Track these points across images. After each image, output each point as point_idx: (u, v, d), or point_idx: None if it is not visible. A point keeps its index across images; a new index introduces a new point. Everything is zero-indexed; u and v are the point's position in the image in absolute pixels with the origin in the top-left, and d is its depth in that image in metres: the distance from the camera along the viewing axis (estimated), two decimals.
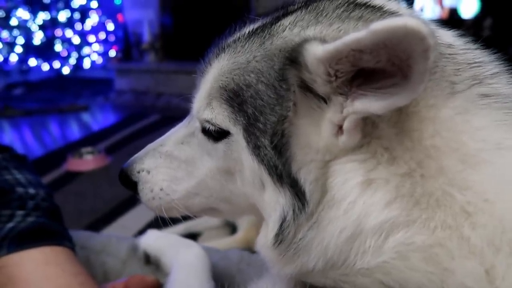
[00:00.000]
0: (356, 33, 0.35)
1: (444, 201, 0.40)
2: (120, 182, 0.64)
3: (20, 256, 0.69)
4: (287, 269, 0.48)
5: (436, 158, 0.41)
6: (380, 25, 0.32)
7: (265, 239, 0.49)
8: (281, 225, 0.46)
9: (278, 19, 0.50)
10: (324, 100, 0.43)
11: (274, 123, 0.44)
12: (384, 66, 0.36)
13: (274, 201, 0.47)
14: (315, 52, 0.39)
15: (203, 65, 0.55)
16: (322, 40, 0.41)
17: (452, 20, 4.09)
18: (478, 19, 4.07)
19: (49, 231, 0.73)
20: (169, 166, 0.59)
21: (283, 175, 0.45)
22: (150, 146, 0.62)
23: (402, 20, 0.32)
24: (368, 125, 0.42)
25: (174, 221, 0.64)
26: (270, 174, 0.46)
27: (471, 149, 0.41)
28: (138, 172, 0.61)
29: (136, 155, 0.63)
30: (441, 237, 0.39)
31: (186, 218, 0.64)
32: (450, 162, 0.41)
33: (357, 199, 0.42)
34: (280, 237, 0.46)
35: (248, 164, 0.49)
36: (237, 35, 0.53)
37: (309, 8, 0.49)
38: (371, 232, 0.41)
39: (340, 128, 0.42)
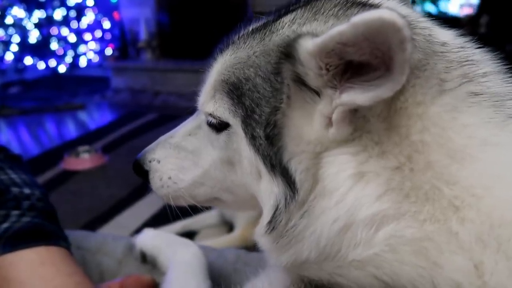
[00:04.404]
0: (339, 27, 0.36)
1: (432, 195, 0.41)
2: (133, 171, 0.67)
3: (15, 256, 0.68)
4: (282, 258, 0.49)
5: (424, 153, 0.42)
6: (359, 17, 0.34)
7: (260, 228, 0.51)
8: (274, 213, 0.48)
9: (279, 16, 0.53)
10: (317, 93, 0.44)
11: (268, 114, 0.47)
12: (369, 59, 0.38)
13: (269, 190, 0.49)
14: (307, 46, 0.41)
15: (210, 61, 0.57)
16: (315, 35, 0.42)
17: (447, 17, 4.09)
18: (475, 17, 4.08)
19: (44, 231, 0.73)
20: (177, 156, 0.62)
21: (275, 164, 0.47)
22: (161, 137, 0.66)
23: (379, 13, 0.33)
24: (359, 119, 0.43)
25: (174, 217, 0.66)
26: (265, 164, 0.48)
27: (457, 145, 0.42)
28: (150, 162, 0.64)
29: (148, 146, 0.66)
30: (429, 230, 0.40)
31: (185, 216, 0.65)
32: (438, 157, 0.42)
33: (349, 191, 0.43)
34: (272, 225, 0.48)
35: (246, 154, 0.51)
36: (241, 32, 0.55)
37: (308, 6, 0.51)
38: (362, 224, 0.42)
39: (330, 120, 0.44)
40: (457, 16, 4.17)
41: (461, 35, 0.50)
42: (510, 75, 0.49)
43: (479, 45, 0.49)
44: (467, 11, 4.14)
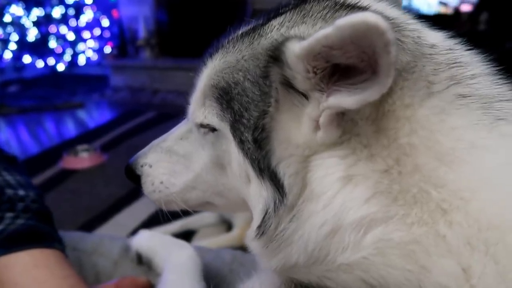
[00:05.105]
0: (324, 30, 0.36)
1: (420, 198, 0.41)
2: (125, 175, 0.67)
3: (9, 259, 0.68)
4: (272, 262, 0.49)
5: (412, 156, 0.42)
6: (343, 20, 0.34)
7: (250, 232, 0.51)
8: (263, 218, 0.48)
9: (269, 20, 0.52)
10: (305, 96, 0.44)
11: (256, 118, 0.47)
12: (355, 62, 0.37)
13: (258, 195, 0.49)
14: (294, 49, 0.41)
15: (201, 66, 0.57)
16: (302, 38, 0.42)
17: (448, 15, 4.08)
18: (474, 14, 4.06)
19: (38, 233, 0.73)
20: (169, 160, 0.62)
21: (264, 168, 0.47)
22: (154, 142, 0.65)
23: (363, 16, 0.33)
24: (348, 122, 0.43)
25: (172, 217, 0.66)
26: (253, 168, 0.48)
27: (445, 147, 0.42)
28: (142, 166, 0.64)
29: (141, 151, 0.66)
30: (417, 233, 0.40)
31: (182, 215, 0.66)
32: (426, 160, 0.41)
33: (336, 194, 0.43)
34: (262, 229, 0.48)
35: (235, 158, 0.51)
36: (231, 36, 0.55)
37: (297, 9, 0.51)
38: (350, 227, 0.42)
39: (318, 123, 0.44)
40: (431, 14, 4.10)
41: (451, 36, 0.50)
42: (504, 75, 0.48)
43: (470, 46, 0.49)
44: (466, 8, 4.12)
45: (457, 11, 4.08)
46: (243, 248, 0.97)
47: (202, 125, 0.54)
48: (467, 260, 0.38)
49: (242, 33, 0.53)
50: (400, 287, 0.40)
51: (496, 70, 0.48)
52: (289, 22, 0.49)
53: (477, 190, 0.40)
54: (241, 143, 0.49)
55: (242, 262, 0.86)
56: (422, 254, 0.39)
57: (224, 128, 0.51)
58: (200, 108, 0.54)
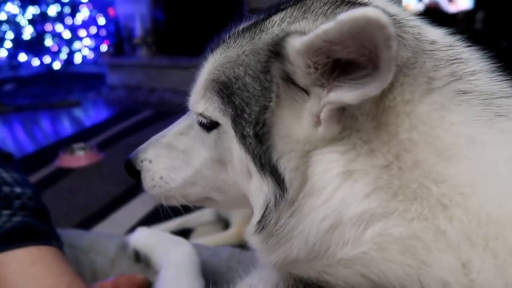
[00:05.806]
0: (325, 25, 0.36)
1: (420, 193, 0.41)
2: (125, 170, 0.67)
3: (6, 256, 0.68)
4: (272, 257, 0.49)
5: (412, 151, 0.42)
6: (345, 15, 0.34)
7: (250, 227, 0.51)
8: (264, 213, 0.48)
9: (269, 15, 0.52)
10: (306, 92, 0.44)
11: (257, 113, 0.47)
12: (356, 57, 0.37)
13: (259, 189, 0.49)
14: (295, 44, 0.41)
15: (202, 61, 0.57)
16: (303, 34, 0.42)
17: (443, 13, 4.09)
18: (470, 13, 4.08)
19: (35, 230, 0.72)
20: (168, 156, 0.62)
21: (264, 163, 0.47)
22: (154, 137, 0.66)
23: (363, 10, 0.33)
24: (348, 118, 0.43)
25: (170, 215, 0.66)
26: (255, 163, 0.48)
27: (445, 143, 0.42)
28: (142, 161, 0.64)
29: (141, 146, 0.66)
30: (417, 229, 0.40)
31: (183, 210, 0.66)
32: (426, 156, 0.42)
33: (337, 189, 0.43)
34: (262, 224, 0.48)
35: (237, 153, 0.51)
36: (232, 31, 0.55)
37: (298, 5, 0.51)
38: (350, 223, 0.42)
39: (319, 118, 0.44)
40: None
41: (451, 33, 0.50)
42: (502, 72, 0.48)
43: (469, 44, 0.49)
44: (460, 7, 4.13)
45: (428, 8, 4.08)
46: (240, 246, 0.97)
47: (203, 116, 0.54)
48: (466, 255, 0.38)
49: (243, 28, 0.53)
50: (400, 281, 0.40)
51: (496, 67, 0.48)
52: (290, 17, 0.49)
53: (477, 186, 0.40)
54: (242, 138, 0.49)
55: (240, 260, 0.86)
56: (422, 249, 0.39)
57: (226, 123, 0.51)
58: (201, 100, 0.54)
